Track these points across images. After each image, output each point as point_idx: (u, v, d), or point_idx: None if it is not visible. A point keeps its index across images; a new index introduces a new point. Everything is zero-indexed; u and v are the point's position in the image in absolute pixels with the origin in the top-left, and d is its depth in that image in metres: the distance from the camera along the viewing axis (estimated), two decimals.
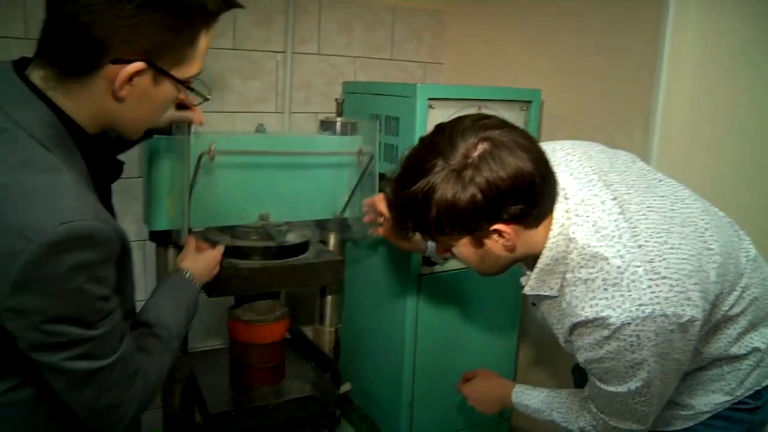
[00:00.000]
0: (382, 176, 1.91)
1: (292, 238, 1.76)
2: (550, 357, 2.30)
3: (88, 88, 0.97)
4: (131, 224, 2.16)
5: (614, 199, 1.20)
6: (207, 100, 1.16)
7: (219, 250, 1.57)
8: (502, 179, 1.08)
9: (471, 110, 1.92)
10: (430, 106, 1.84)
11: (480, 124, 1.13)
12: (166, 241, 1.78)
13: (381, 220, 1.67)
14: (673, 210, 1.22)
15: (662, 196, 1.25)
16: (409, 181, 1.14)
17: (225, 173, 1.68)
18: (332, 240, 1.99)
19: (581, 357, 1.22)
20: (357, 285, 2.24)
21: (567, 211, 1.18)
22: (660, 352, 1.12)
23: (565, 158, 1.29)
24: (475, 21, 2.53)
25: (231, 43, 2.22)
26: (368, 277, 2.16)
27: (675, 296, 1.10)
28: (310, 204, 1.86)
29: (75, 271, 0.88)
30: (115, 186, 2.06)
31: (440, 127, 1.18)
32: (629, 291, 1.10)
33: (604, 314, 1.11)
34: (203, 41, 1.04)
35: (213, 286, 1.60)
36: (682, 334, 1.12)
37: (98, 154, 1.06)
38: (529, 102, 2.06)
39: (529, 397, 1.52)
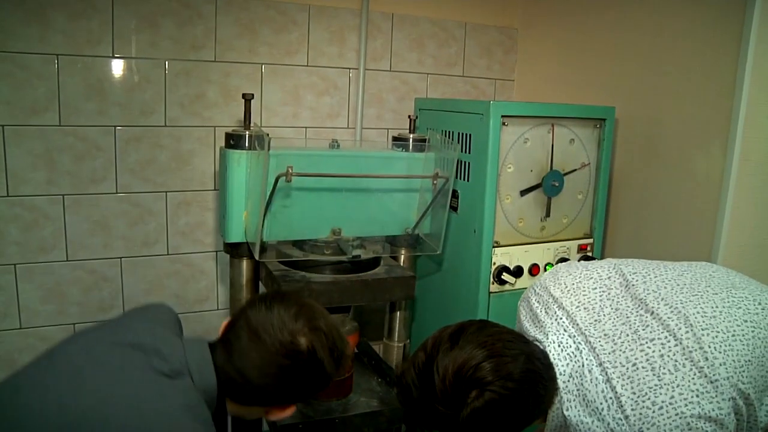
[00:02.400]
0: (455, 193, 1.91)
1: (363, 253, 1.77)
2: None
3: None
4: (205, 235, 2.21)
5: (600, 365, 1.18)
6: None
7: None
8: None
9: (544, 128, 1.91)
10: (504, 124, 1.82)
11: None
12: (239, 252, 1.82)
13: None
14: (677, 345, 1.15)
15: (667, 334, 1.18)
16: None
17: (300, 192, 1.71)
18: (403, 256, 1.99)
19: None
20: (426, 301, 2.23)
21: (558, 390, 1.21)
22: None
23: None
24: (547, 37, 2.51)
25: (305, 60, 2.26)
26: (438, 293, 2.15)
27: None
28: (382, 220, 1.87)
29: None
30: (191, 197, 2.13)
31: None
32: None
33: None
34: None
35: None
36: None
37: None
38: (603, 120, 2.03)
39: None
